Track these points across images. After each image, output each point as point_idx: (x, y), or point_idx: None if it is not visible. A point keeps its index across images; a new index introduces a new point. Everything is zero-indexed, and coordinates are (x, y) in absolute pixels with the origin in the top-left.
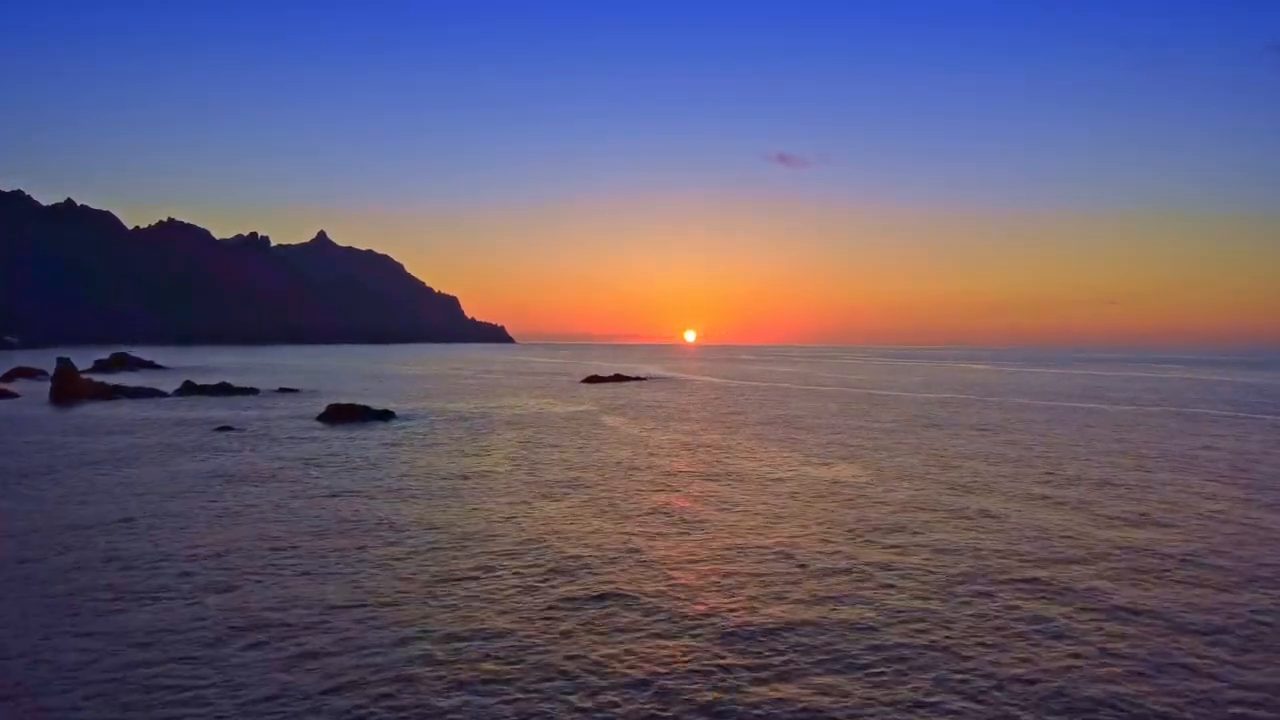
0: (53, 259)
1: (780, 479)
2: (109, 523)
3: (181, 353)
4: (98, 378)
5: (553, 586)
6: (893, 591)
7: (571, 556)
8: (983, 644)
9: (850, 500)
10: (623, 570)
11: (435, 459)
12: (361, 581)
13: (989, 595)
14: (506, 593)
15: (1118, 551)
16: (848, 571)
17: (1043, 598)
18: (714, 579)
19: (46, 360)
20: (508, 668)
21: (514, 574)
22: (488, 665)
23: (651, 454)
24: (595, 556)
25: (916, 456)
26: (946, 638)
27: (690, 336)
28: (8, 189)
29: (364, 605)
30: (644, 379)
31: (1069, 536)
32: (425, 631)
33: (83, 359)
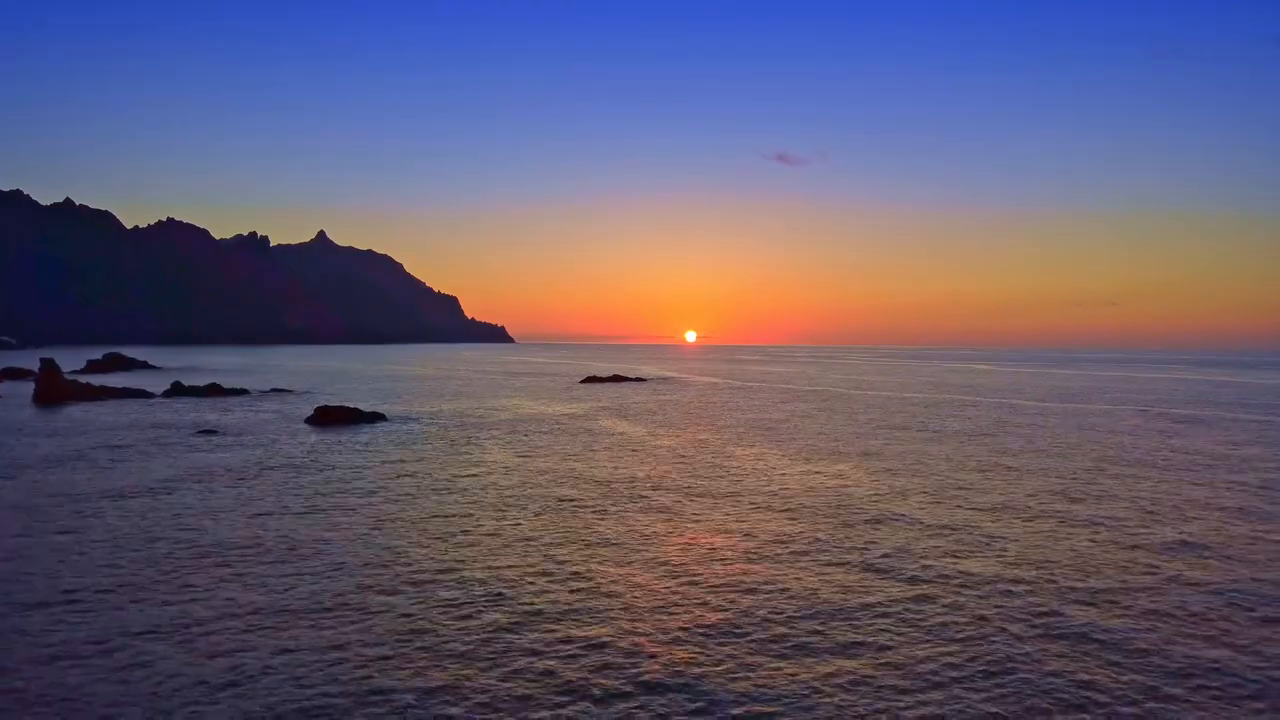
0: (52, 259)
1: (783, 494)
2: (29, 534)
3: (179, 353)
4: (89, 378)
5: (500, 626)
6: (910, 640)
7: (528, 590)
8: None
9: (859, 520)
10: (589, 608)
11: (417, 466)
12: (268, 605)
13: (1020, 640)
14: (437, 629)
15: (1165, 585)
16: (855, 614)
17: (1083, 648)
18: (700, 624)
19: None
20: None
21: (453, 610)
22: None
23: (645, 463)
24: (556, 591)
25: (926, 466)
26: (981, 705)
27: (690, 336)
28: (7, 189)
29: (241, 639)
30: (643, 380)
31: (1105, 567)
32: (326, 672)
33: (79, 359)
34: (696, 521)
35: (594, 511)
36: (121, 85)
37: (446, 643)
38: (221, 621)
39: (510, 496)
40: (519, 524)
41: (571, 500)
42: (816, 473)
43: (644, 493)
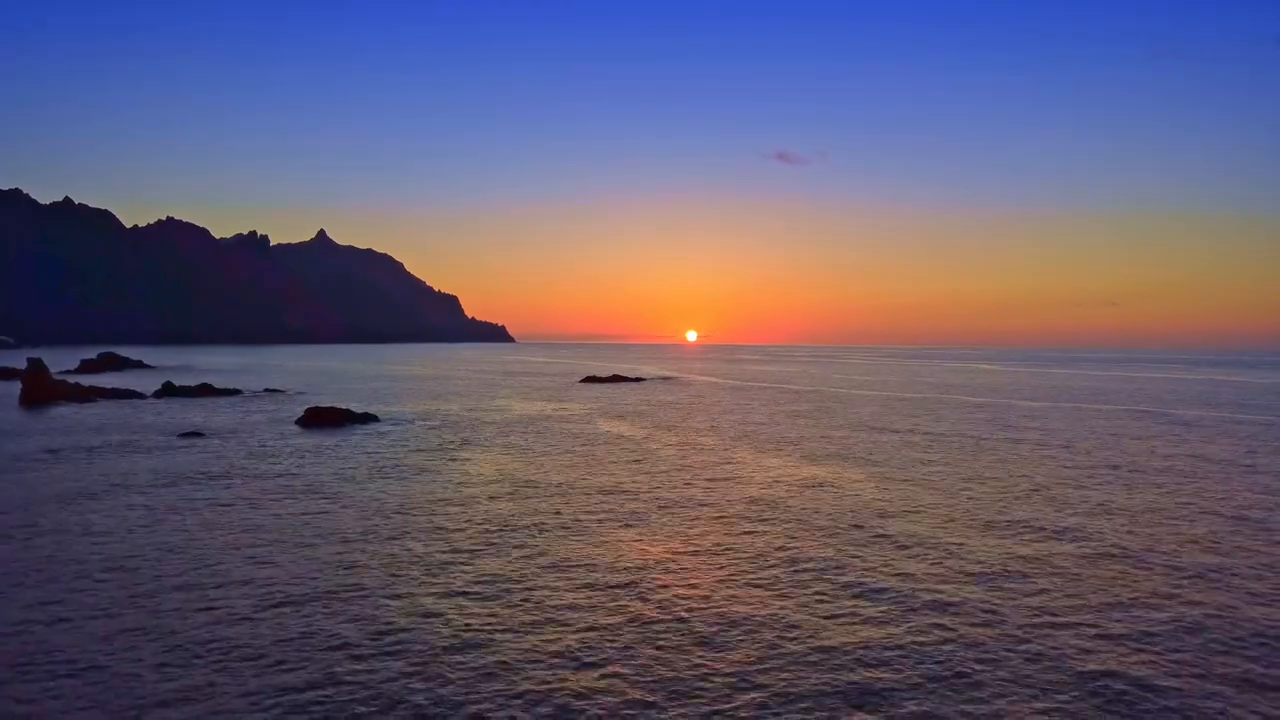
0: (51, 258)
1: (787, 508)
2: None
3: (178, 353)
4: (81, 378)
5: (456, 676)
6: (933, 690)
7: (494, 636)
8: None
9: (869, 540)
10: (567, 654)
11: (402, 472)
12: (211, 638)
13: (1059, 688)
14: (392, 673)
15: (1213, 624)
16: (867, 656)
17: (1132, 707)
18: (697, 665)
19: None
20: None
21: (409, 654)
22: None
23: (642, 471)
24: (533, 634)
25: (933, 472)
26: None
27: (691, 336)
28: (7, 188)
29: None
30: (642, 380)
31: (1139, 598)
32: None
33: (76, 359)
34: (694, 541)
35: (580, 531)
36: (121, 85)
37: (407, 691)
38: (159, 656)
39: (491, 513)
40: (496, 545)
41: (558, 514)
42: (820, 482)
43: (640, 507)
